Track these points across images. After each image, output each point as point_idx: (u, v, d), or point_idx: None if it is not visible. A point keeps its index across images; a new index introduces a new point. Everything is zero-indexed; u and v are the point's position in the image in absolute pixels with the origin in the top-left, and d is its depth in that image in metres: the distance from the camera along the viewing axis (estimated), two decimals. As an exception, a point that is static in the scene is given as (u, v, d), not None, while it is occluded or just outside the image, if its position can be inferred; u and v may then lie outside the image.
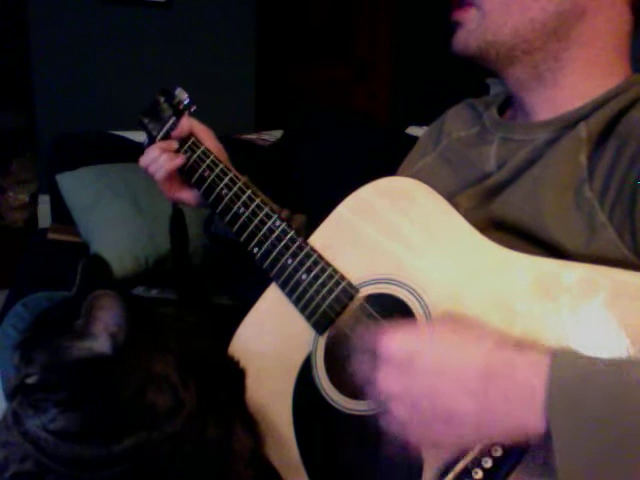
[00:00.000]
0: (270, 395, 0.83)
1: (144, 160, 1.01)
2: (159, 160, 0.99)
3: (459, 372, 0.60)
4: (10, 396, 0.68)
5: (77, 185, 2.16)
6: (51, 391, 0.66)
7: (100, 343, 0.66)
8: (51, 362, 0.66)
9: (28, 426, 0.67)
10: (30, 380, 0.66)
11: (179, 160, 0.99)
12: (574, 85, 0.77)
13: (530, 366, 0.57)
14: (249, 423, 0.81)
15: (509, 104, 0.88)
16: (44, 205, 2.83)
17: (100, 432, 0.66)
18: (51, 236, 2.24)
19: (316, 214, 0.88)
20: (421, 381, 0.61)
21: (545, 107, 0.78)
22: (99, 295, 0.66)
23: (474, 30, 0.77)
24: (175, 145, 1.00)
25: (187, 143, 1.00)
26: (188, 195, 1.03)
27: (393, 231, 0.78)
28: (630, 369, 0.55)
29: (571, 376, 0.56)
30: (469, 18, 0.77)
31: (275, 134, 2.63)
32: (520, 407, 0.56)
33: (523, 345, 0.61)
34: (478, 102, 0.93)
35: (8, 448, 0.69)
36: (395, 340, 0.63)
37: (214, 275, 1.52)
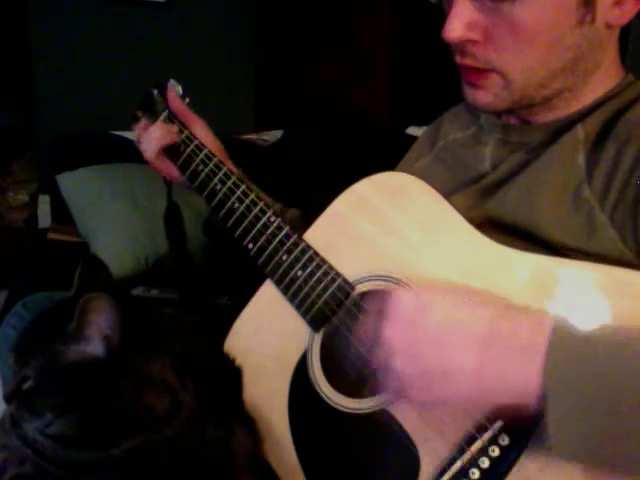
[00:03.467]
0: (266, 393, 0.82)
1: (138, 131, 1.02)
2: (156, 132, 0.99)
3: (463, 327, 0.61)
4: (7, 400, 0.67)
5: (77, 185, 2.16)
6: (47, 395, 0.65)
7: (93, 346, 0.66)
8: (45, 366, 0.66)
9: (26, 430, 0.67)
10: (26, 385, 0.66)
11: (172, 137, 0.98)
12: (577, 97, 0.76)
13: (533, 325, 0.59)
14: (248, 423, 0.81)
15: None
16: (44, 205, 2.83)
17: (97, 436, 0.66)
18: (51, 236, 2.25)
19: (316, 214, 0.87)
20: (425, 334, 0.62)
21: (543, 113, 0.78)
22: (91, 298, 0.65)
23: (500, 94, 0.75)
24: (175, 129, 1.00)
25: (180, 136, 0.99)
26: (178, 174, 1.01)
27: (389, 227, 0.78)
28: (634, 336, 0.56)
29: (573, 337, 0.57)
30: (491, 83, 0.75)
31: (275, 134, 2.63)
32: (520, 364, 0.57)
33: (528, 308, 0.63)
34: None
35: (7, 451, 0.69)
36: (403, 296, 0.65)
37: (214, 275, 1.52)
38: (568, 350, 0.56)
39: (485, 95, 0.76)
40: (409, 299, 0.64)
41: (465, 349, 0.60)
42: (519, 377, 0.57)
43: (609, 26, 0.71)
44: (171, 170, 1.01)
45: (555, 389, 0.55)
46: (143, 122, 1.02)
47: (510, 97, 0.75)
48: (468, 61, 0.74)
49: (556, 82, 0.74)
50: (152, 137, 0.99)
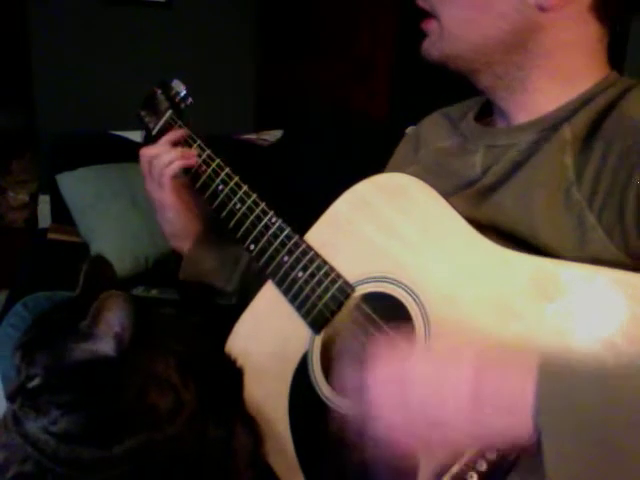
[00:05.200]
0: (266, 394, 0.82)
1: (150, 151, 0.99)
2: (172, 152, 0.97)
3: (450, 384, 0.59)
4: (10, 398, 0.67)
5: (77, 185, 2.17)
6: (54, 393, 0.65)
7: (104, 344, 0.66)
8: (54, 364, 0.66)
9: (28, 428, 0.67)
10: (33, 383, 0.65)
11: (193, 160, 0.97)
12: (545, 91, 0.77)
13: (519, 375, 0.56)
14: (249, 423, 0.81)
15: (487, 109, 0.87)
16: (44, 205, 2.83)
17: (102, 434, 0.66)
18: (51, 236, 2.25)
19: (316, 214, 0.87)
20: (412, 392, 0.60)
21: (521, 111, 0.78)
22: (110, 296, 0.65)
23: (435, 42, 0.79)
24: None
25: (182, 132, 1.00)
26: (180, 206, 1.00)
27: (390, 228, 0.77)
28: (618, 378, 0.55)
29: (560, 385, 0.55)
30: (432, 29, 0.79)
31: (275, 134, 2.63)
32: (510, 416, 0.56)
33: (513, 353, 0.60)
34: (453, 111, 0.93)
35: (8, 449, 0.69)
36: (387, 352, 0.63)
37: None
38: (558, 393, 0.54)
39: (426, 42, 0.80)
40: (390, 357, 0.62)
41: (453, 407, 0.58)
42: (511, 428, 0.56)
43: (542, 8, 0.72)
44: (174, 196, 0.99)
45: (548, 431, 0.53)
46: (151, 149, 1.00)
47: (442, 48, 0.78)
48: (421, 2, 0.79)
49: (494, 54, 0.75)
50: (169, 158, 0.97)
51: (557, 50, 0.75)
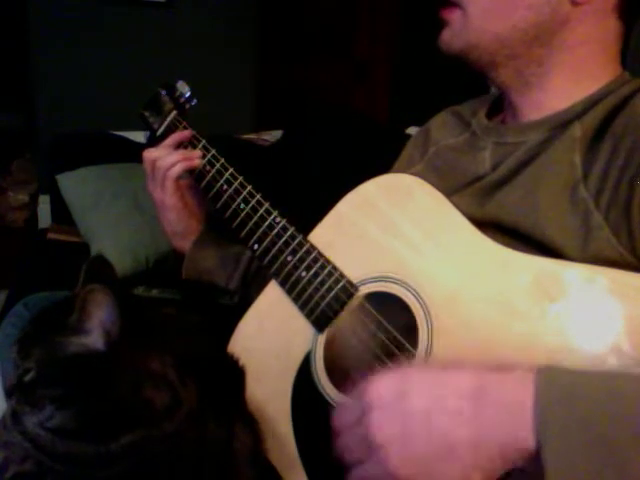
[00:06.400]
0: (269, 393, 0.82)
1: (153, 153, 1.00)
2: (174, 155, 0.98)
3: (449, 401, 0.57)
4: (8, 393, 0.68)
5: (77, 185, 2.16)
6: (48, 387, 0.65)
7: (93, 339, 0.66)
8: (47, 358, 0.66)
9: (26, 424, 0.67)
10: (28, 377, 0.66)
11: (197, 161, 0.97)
12: (561, 88, 0.77)
13: (516, 382, 0.55)
14: (250, 422, 0.81)
15: (498, 107, 0.87)
16: (44, 205, 2.83)
17: (98, 429, 0.66)
18: (51, 236, 2.25)
19: (317, 214, 0.88)
20: (413, 420, 0.57)
21: (534, 109, 0.78)
22: (91, 290, 0.65)
23: (458, 32, 0.77)
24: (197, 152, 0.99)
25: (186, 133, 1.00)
26: (181, 210, 1.01)
27: (393, 229, 0.77)
28: (619, 381, 0.54)
29: (558, 388, 0.54)
30: (454, 18, 0.77)
31: (275, 134, 2.63)
32: (511, 424, 0.54)
33: (507, 365, 0.58)
34: (462, 109, 0.93)
35: (8, 449, 0.68)
36: (380, 384, 0.60)
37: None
38: (555, 402, 0.53)
39: (446, 33, 0.79)
40: (386, 386, 0.59)
41: (455, 424, 0.56)
42: (512, 437, 0.54)
43: (574, 2, 0.72)
44: (177, 197, 1.00)
45: (547, 440, 0.52)
46: (154, 152, 1.00)
47: (466, 38, 0.77)
48: None
49: (518, 46, 0.75)
50: (171, 160, 0.97)
51: (578, 46, 0.75)
